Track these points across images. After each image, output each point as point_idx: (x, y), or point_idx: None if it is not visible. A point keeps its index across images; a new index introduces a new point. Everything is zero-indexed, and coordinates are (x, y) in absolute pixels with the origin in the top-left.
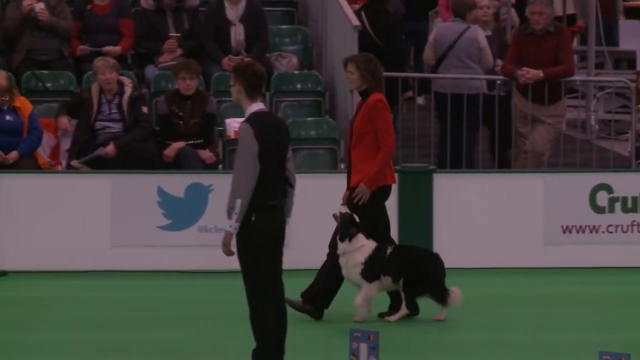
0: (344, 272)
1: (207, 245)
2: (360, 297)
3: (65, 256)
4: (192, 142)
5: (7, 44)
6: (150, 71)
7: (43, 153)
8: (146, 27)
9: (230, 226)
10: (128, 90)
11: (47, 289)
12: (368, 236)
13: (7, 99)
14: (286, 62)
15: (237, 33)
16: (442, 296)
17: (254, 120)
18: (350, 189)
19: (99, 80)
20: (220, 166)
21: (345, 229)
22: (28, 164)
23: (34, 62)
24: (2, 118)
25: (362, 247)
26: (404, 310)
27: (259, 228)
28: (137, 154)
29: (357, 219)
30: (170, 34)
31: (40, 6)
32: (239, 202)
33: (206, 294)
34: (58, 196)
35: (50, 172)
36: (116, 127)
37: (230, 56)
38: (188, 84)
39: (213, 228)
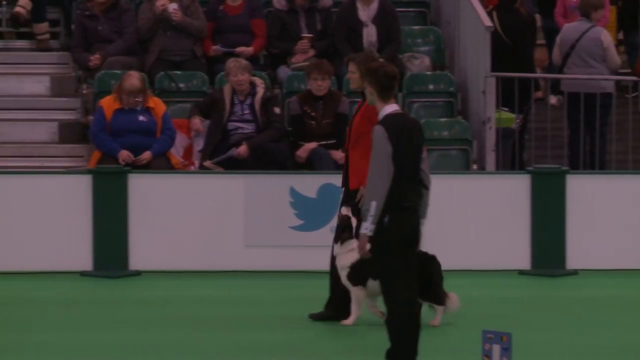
0: (339, 273)
1: None
2: (354, 303)
3: (199, 256)
4: (324, 142)
5: (140, 45)
6: (283, 72)
7: (176, 153)
8: (279, 28)
9: (366, 228)
10: (260, 91)
11: (179, 289)
12: None
13: (140, 99)
14: (418, 63)
15: (369, 34)
16: (441, 299)
17: (388, 122)
18: (350, 191)
19: (232, 81)
20: None
21: (339, 232)
22: (161, 164)
23: (167, 63)
24: (136, 118)
25: (352, 250)
26: (439, 309)
27: (393, 229)
28: (270, 155)
29: (354, 223)
30: (303, 35)
31: (173, 6)
32: (373, 204)
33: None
34: (191, 197)
35: (183, 172)
36: (248, 127)
37: None
38: (320, 85)
39: None
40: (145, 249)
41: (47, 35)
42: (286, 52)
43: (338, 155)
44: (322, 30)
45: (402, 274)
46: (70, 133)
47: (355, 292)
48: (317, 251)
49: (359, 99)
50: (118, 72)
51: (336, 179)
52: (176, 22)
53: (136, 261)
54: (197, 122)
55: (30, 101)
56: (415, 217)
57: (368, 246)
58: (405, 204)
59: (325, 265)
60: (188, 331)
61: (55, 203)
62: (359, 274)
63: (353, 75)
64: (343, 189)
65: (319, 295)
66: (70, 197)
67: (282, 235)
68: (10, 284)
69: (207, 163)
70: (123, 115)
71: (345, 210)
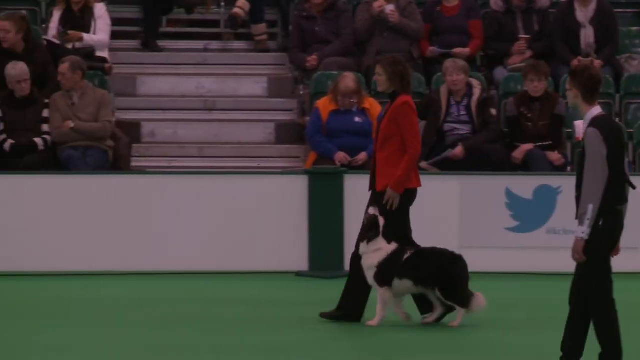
0: (365, 273)
1: (554, 248)
2: (380, 304)
3: None
4: (540, 143)
5: (357, 46)
6: (499, 73)
7: None
8: (496, 29)
9: (583, 232)
10: (477, 92)
11: None
12: (390, 240)
13: (355, 100)
14: (636, 64)
15: (587, 35)
16: (465, 300)
17: (600, 123)
18: (377, 193)
19: (447, 81)
20: (568, 168)
21: (366, 231)
22: None
23: None
24: (351, 119)
25: (379, 250)
26: (460, 311)
27: (607, 232)
28: (486, 156)
29: (381, 222)
30: (520, 36)
31: (390, 8)
32: (590, 207)
33: (547, 296)
34: None
35: None
36: (464, 129)
37: (579, 58)
38: (537, 86)
39: (561, 230)
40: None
41: (264, 36)
42: (503, 53)
43: (554, 156)
44: (539, 31)
45: (609, 276)
46: (287, 134)
47: (382, 293)
48: (531, 253)
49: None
50: (334, 73)
51: (552, 180)
52: (393, 23)
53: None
54: None
55: (248, 102)
56: (623, 219)
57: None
58: (618, 207)
59: (543, 267)
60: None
61: (271, 203)
62: (385, 274)
63: (380, 77)
64: (370, 191)
65: (536, 297)
66: (286, 198)
67: (497, 236)
68: (228, 284)
69: (423, 164)
70: (339, 117)
71: (373, 210)
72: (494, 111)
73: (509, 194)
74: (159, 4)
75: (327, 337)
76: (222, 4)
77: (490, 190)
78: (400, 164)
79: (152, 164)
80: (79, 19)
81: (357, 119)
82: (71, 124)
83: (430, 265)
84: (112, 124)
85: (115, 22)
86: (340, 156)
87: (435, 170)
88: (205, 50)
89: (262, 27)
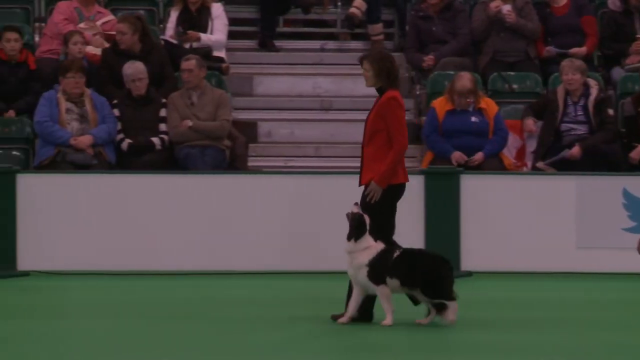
0: (349, 271)
1: None
2: (383, 302)
3: (529, 257)
4: None
5: (474, 46)
6: (617, 73)
7: (509, 154)
8: (613, 29)
9: None
10: (594, 92)
11: (511, 290)
12: (377, 238)
13: (472, 100)
14: None
15: None
16: (443, 306)
17: None
18: (364, 187)
19: (564, 80)
20: None
21: (352, 229)
22: (493, 165)
23: (501, 64)
24: (468, 119)
25: (368, 248)
26: (433, 313)
27: None
28: (603, 156)
29: (367, 220)
30: (638, 36)
31: (507, 8)
32: None
33: None
34: (522, 197)
35: (516, 173)
36: (581, 129)
37: None
38: None
39: None
40: (477, 249)
41: (381, 36)
42: (620, 53)
43: None
44: None
45: None
46: None
47: (381, 290)
48: None
49: None
50: (451, 73)
51: None
52: (510, 23)
53: (469, 261)
54: (531, 123)
55: (364, 102)
56: None
57: None
58: None
59: None
60: (520, 332)
61: None
62: (378, 271)
63: (367, 73)
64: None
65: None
66: (402, 197)
67: (614, 236)
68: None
69: (540, 164)
70: (455, 117)
71: (356, 208)
72: (611, 111)
73: (626, 194)
74: (276, 4)
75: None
76: (339, 3)
77: (607, 190)
78: (386, 159)
79: (268, 164)
80: (196, 19)
81: (473, 119)
82: (189, 123)
83: (418, 267)
84: (229, 123)
85: (232, 22)
86: (457, 156)
87: (552, 171)
88: (322, 50)
89: (378, 27)
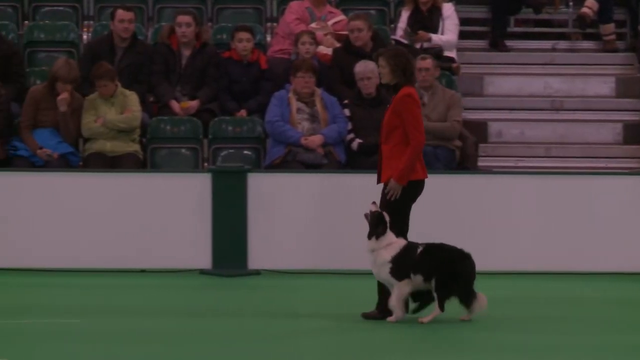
0: (373, 270)
1: None
2: (394, 297)
3: None
4: None
5: None
6: None
7: None
8: None
9: None
10: None
11: None
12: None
13: None
14: None
15: None
16: (469, 299)
17: None
18: (383, 185)
19: None
20: None
21: (372, 227)
22: None
23: None
24: None
25: (390, 245)
26: (437, 310)
27: None
28: None
29: (387, 217)
30: None
31: None
32: None
33: None
34: None
35: None
36: None
37: None
38: None
39: None
40: None
41: (613, 36)
42: None
43: None
44: None
45: None
46: (634, 134)
47: (401, 287)
48: None
49: None
50: None
51: None
52: None
53: None
54: None
55: (596, 102)
56: None
57: None
58: None
59: None
60: None
61: (617, 204)
62: (402, 267)
63: (383, 70)
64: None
65: None
66: (634, 199)
67: None
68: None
69: None
70: None
71: (374, 207)
72: None
73: None
74: (507, 4)
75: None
76: (570, 3)
77: None
78: (404, 156)
79: (498, 164)
80: (427, 19)
81: None
82: None
83: (440, 261)
84: (460, 124)
85: (463, 22)
86: None
87: None
88: (553, 50)
89: (610, 27)
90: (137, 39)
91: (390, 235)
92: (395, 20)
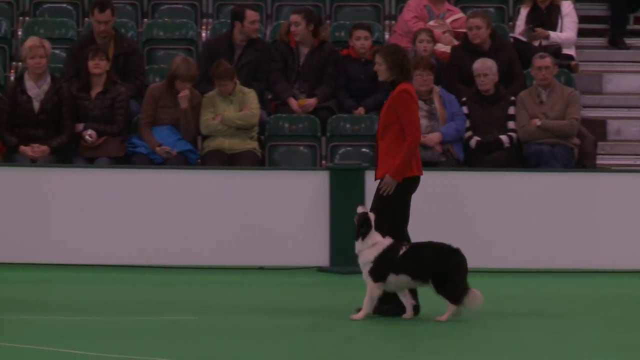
0: (362, 269)
1: None
2: (368, 298)
3: None
4: None
5: None
6: None
7: None
8: None
9: None
10: None
11: None
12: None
13: None
14: None
15: None
16: (459, 295)
17: None
18: (379, 181)
19: None
20: None
21: (358, 228)
22: None
23: None
24: None
25: (375, 245)
26: (451, 307)
27: None
28: None
29: (372, 217)
30: None
31: None
32: None
33: None
34: None
35: None
36: None
37: None
38: None
39: None
40: None
41: None
42: None
43: None
44: None
45: None
46: None
47: (374, 288)
48: None
49: None
50: None
51: None
52: None
53: None
54: None
55: None
56: None
57: None
58: None
59: None
60: None
61: None
62: (381, 269)
63: (380, 67)
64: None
65: None
66: None
67: None
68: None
69: None
70: None
71: (361, 208)
72: None
73: None
74: (626, 1)
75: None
76: None
77: None
78: (400, 152)
79: (617, 162)
80: (546, 17)
81: None
82: (538, 122)
83: (427, 259)
84: (578, 122)
85: (582, 19)
86: None
87: None
88: None
89: None
90: (256, 36)
91: (375, 235)
92: (513, 17)
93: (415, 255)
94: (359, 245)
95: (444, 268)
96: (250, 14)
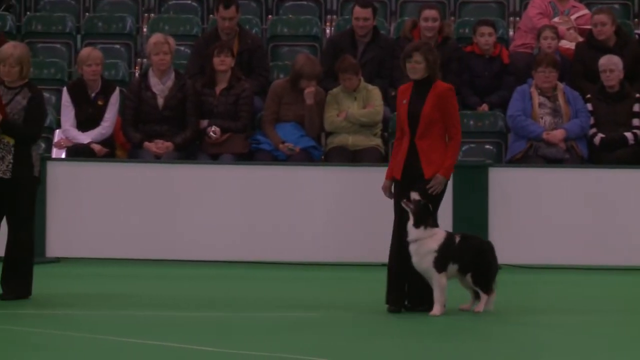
0: (415, 259)
1: None
2: (437, 291)
3: None
4: None
5: None
6: None
7: None
8: None
9: None
10: None
11: None
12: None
13: None
14: None
15: None
16: (492, 288)
17: None
18: (399, 182)
19: None
20: None
21: (421, 216)
22: None
23: None
24: None
25: (435, 235)
26: (484, 296)
27: None
28: None
29: (431, 207)
30: None
31: None
32: None
33: None
34: None
35: None
36: None
37: None
38: None
39: None
40: None
41: None
42: None
43: None
44: None
45: None
46: None
47: (440, 278)
48: None
49: None
50: None
51: None
52: None
53: None
54: None
55: None
56: None
57: None
58: None
59: None
60: None
61: None
62: (444, 258)
63: (419, 65)
64: (392, 180)
65: None
66: None
67: None
68: None
69: None
70: None
71: (417, 195)
72: None
73: None
74: None
75: None
76: None
77: None
78: (448, 151)
79: None
80: None
81: None
82: None
83: (473, 251)
84: None
85: None
86: None
87: None
88: None
89: None
90: (379, 33)
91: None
92: (639, 14)
93: (465, 246)
94: (420, 233)
95: (485, 260)
96: (357, 11)
